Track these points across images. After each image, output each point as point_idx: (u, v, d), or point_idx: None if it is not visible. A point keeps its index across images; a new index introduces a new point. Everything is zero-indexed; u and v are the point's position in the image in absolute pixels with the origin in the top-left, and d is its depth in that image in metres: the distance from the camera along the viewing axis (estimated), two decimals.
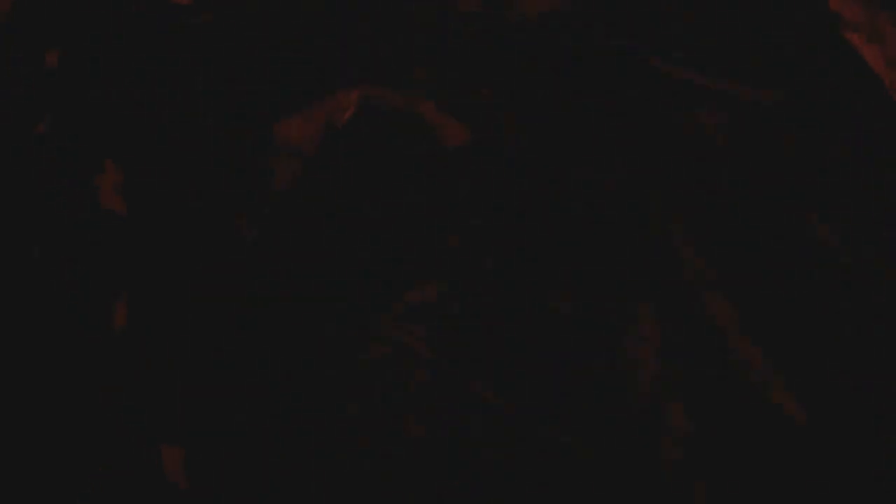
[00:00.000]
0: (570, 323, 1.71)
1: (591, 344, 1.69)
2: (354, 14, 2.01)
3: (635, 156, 1.85)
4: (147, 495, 1.64)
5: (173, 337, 1.75)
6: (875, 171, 1.83)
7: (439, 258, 1.78)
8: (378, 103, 1.91)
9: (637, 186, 1.82)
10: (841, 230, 1.76)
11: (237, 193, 1.84)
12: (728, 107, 1.90)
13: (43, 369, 1.73)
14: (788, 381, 1.64)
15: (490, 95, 1.93)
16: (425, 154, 1.87)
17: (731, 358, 1.66)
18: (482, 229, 1.80)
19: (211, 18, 1.96)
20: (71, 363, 1.73)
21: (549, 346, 1.70)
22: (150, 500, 1.64)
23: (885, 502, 1.54)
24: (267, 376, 1.72)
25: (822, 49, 1.94)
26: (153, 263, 1.80)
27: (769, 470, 1.59)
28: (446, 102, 1.91)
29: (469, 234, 1.79)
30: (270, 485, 1.64)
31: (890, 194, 1.80)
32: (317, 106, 1.91)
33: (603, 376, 1.66)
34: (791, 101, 1.89)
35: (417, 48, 1.96)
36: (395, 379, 1.70)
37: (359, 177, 1.85)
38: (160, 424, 1.68)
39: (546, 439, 1.63)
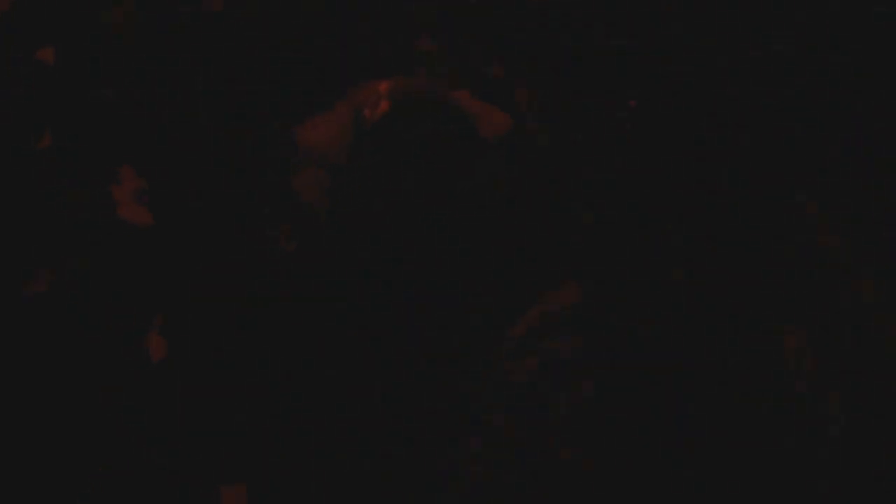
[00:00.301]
0: (726, 326, 1.59)
1: (745, 346, 1.59)
2: (356, 12, 1.97)
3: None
4: None
5: (221, 363, 1.68)
6: None
7: (569, 257, 1.63)
8: (411, 95, 1.78)
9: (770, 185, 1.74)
10: None
11: (267, 205, 1.75)
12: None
13: (80, 405, 1.70)
14: None
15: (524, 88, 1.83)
16: (467, 145, 1.72)
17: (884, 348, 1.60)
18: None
19: (220, 7, 1.88)
20: (110, 396, 1.69)
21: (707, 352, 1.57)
22: None
23: None
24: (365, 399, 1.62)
25: (823, 47, 1.94)
26: (184, 281, 1.73)
27: None
28: (480, 91, 1.79)
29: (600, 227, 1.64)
30: None
31: None
32: (340, 104, 1.79)
33: (758, 376, 1.57)
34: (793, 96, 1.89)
35: (419, 47, 1.95)
36: (546, 394, 1.53)
37: (398, 181, 1.73)
38: (218, 462, 1.63)
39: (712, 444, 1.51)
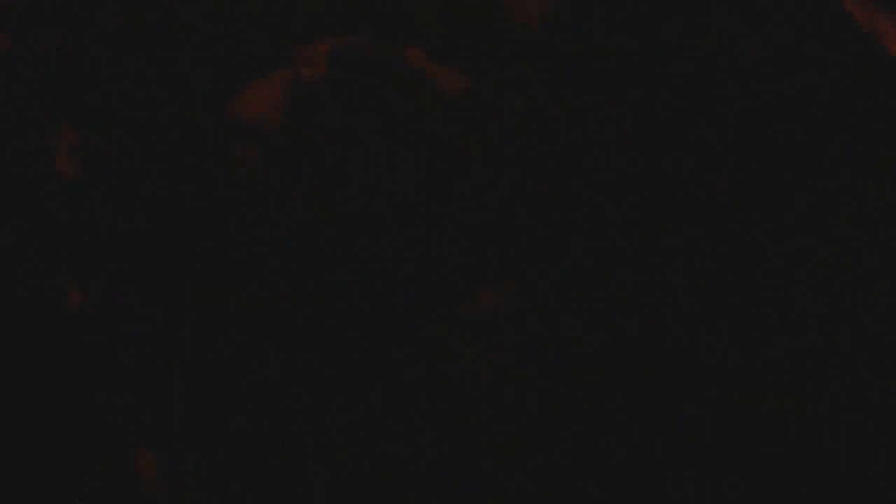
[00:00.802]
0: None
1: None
2: None
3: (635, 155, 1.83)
4: (122, 499, 1.59)
5: (144, 325, 1.66)
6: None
7: (499, 259, 1.60)
8: (354, 55, 1.68)
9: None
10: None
11: (199, 178, 1.70)
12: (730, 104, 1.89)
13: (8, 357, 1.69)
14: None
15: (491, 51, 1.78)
16: (418, 112, 1.67)
17: None
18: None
19: None
20: (28, 347, 1.68)
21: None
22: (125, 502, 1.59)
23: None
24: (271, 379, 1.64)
25: (823, 47, 1.94)
26: (112, 238, 1.70)
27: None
28: (437, 49, 1.70)
29: (529, 228, 1.62)
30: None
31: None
32: (277, 73, 1.71)
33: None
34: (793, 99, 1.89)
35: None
36: (477, 396, 1.52)
37: (340, 150, 1.66)
38: (135, 426, 1.62)
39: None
